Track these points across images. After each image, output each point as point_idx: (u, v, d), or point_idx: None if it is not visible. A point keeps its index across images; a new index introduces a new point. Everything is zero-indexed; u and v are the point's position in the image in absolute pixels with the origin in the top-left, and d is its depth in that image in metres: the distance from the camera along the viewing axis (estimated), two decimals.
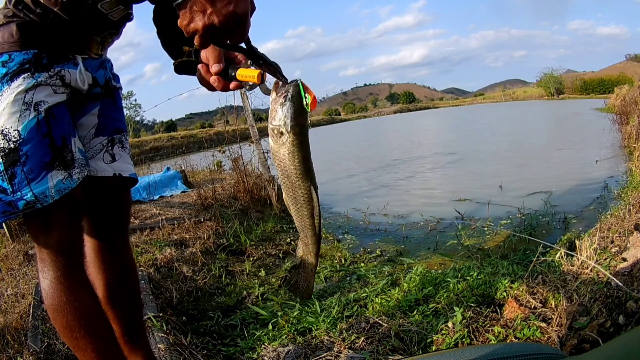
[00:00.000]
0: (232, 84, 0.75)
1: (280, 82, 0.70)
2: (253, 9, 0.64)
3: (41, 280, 0.90)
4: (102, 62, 1.01)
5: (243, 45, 0.69)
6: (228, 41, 0.66)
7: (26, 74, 0.83)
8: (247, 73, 0.72)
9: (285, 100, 0.68)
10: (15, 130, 0.82)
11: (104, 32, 0.96)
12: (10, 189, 0.83)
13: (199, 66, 0.75)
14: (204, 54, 0.75)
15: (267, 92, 0.73)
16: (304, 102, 0.69)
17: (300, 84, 0.69)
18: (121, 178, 1.06)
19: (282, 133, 0.69)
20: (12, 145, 0.82)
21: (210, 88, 0.77)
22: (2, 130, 0.82)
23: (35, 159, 0.83)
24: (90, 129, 1.01)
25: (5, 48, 0.83)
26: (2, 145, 0.82)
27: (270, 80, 0.72)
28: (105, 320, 0.99)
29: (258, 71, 0.71)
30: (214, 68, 0.72)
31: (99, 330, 0.93)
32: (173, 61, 0.75)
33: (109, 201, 1.06)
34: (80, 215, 0.95)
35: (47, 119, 0.85)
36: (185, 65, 0.75)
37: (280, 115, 0.69)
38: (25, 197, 0.83)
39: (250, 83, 0.72)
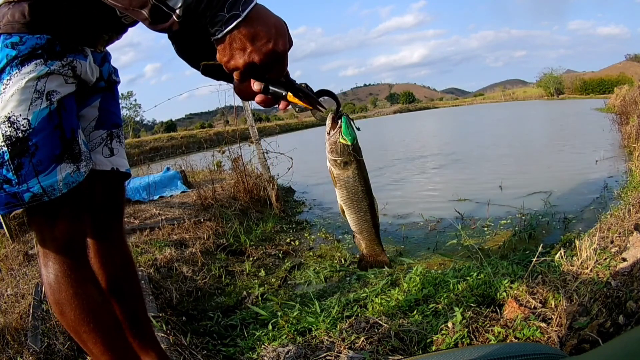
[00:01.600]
0: (282, 104, 0.72)
1: (334, 116, 0.80)
2: (291, 44, 0.64)
3: (45, 276, 0.88)
4: (105, 55, 1.00)
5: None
6: (267, 77, 0.67)
7: (38, 60, 0.79)
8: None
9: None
10: (24, 119, 0.78)
11: (111, 32, 0.95)
12: (16, 180, 0.79)
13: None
14: None
15: (319, 117, 0.77)
16: (349, 134, 0.81)
17: (345, 119, 0.79)
18: (118, 172, 1.05)
19: (346, 163, 0.83)
20: (20, 135, 0.78)
21: (247, 98, 0.75)
22: (10, 118, 0.78)
23: (46, 150, 0.80)
24: (91, 122, 1.00)
25: (15, 28, 0.78)
26: (8, 133, 0.78)
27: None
28: (113, 313, 0.98)
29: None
30: (256, 86, 0.70)
31: (108, 323, 0.92)
32: (199, 63, 0.72)
33: (107, 194, 1.06)
34: (84, 209, 0.94)
35: (58, 110, 0.82)
36: (215, 68, 0.72)
37: (343, 149, 0.82)
38: (32, 189, 0.80)
39: (302, 106, 0.72)
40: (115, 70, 1.07)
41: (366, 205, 0.88)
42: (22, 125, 0.78)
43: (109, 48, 1.04)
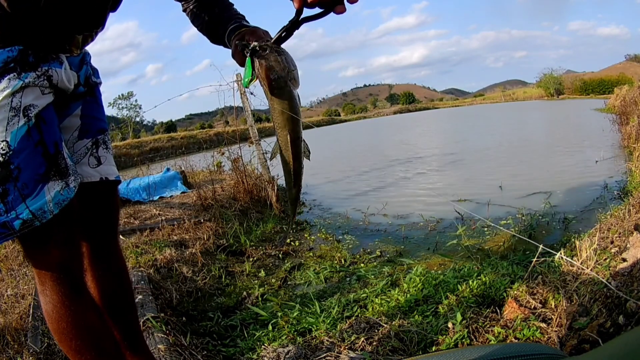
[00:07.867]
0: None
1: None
2: None
3: (43, 303, 0.84)
4: (83, 57, 0.94)
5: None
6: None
7: (11, 75, 0.74)
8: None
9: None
10: (3, 141, 0.73)
11: (84, 32, 0.89)
12: (3, 209, 0.74)
13: None
14: None
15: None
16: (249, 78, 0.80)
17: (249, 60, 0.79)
18: (107, 181, 1.00)
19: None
20: (0, 159, 0.73)
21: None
22: None
23: (29, 171, 0.75)
24: (73, 132, 0.94)
25: None
26: None
27: None
28: (114, 338, 0.95)
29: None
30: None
31: (108, 350, 0.89)
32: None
33: (98, 207, 1.01)
34: (77, 229, 0.87)
35: (37, 125, 0.76)
36: None
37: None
38: (21, 216, 0.74)
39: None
40: (95, 71, 1.01)
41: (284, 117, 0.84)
42: (2, 148, 0.73)
43: (88, 48, 0.97)
